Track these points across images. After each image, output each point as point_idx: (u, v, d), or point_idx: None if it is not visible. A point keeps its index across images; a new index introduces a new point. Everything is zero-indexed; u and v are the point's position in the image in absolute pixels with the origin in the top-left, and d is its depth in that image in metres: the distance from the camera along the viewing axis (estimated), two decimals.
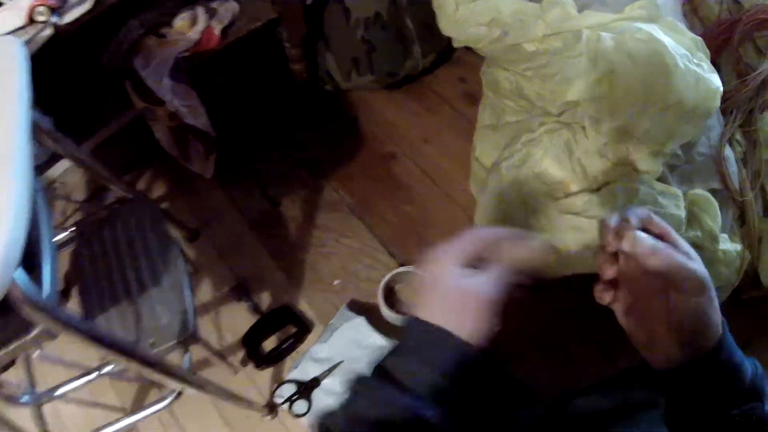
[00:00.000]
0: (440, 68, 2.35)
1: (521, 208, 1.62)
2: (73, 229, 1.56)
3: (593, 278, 0.78)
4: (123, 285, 1.43)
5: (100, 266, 1.46)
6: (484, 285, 0.72)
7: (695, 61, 1.50)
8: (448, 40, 1.85)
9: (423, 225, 1.96)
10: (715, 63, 1.74)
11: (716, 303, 0.71)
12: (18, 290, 0.85)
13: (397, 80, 2.21)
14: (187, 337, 1.35)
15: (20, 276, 0.86)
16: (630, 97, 1.49)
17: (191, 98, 1.81)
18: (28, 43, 1.40)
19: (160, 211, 1.59)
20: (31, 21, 1.45)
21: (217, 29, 1.87)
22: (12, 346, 0.94)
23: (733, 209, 1.67)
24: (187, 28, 1.86)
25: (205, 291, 1.93)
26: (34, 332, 0.94)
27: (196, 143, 1.98)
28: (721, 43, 1.82)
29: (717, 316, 0.71)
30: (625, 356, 0.78)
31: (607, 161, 1.54)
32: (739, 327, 1.67)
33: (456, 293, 0.72)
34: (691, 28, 1.80)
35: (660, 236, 0.71)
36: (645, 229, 0.71)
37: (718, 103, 1.49)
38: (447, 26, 1.80)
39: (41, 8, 1.43)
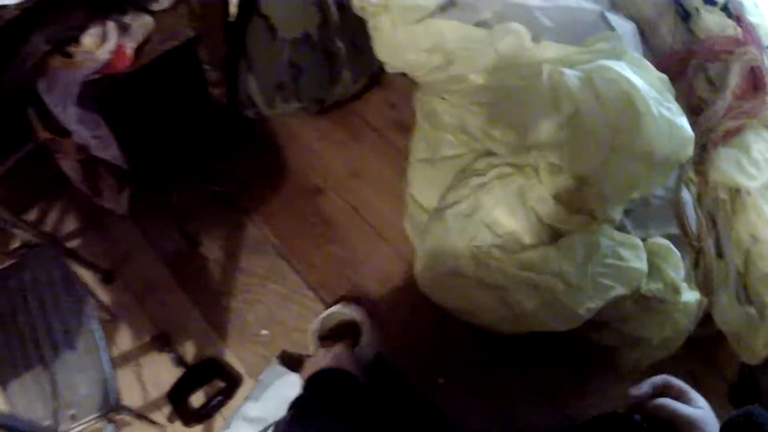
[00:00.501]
0: (369, 92, 2.27)
1: (471, 262, 1.53)
2: None
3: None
4: (35, 347, 1.40)
5: (8, 325, 1.43)
6: None
7: (665, 103, 1.43)
8: (381, 63, 1.76)
9: (353, 266, 1.91)
10: None
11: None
12: None
13: (324, 107, 2.13)
14: (110, 410, 1.33)
15: None
16: (595, 142, 1.41)
17: (100, 128, 1.68)
18: None
19: (70, 255, 1.63)
20: None
21: (129, 48, 1.72)
22: None
23: (690, 254, 1.65)
24: (96, 47, 1.70)
25: (125, 340, 1.85)
26: None
27: (107, 177, 1.86)
28: (675, 75, 1.75)
29: None
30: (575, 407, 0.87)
31: (563, 209, 1.47)
32: (687, 365, 1.75)
33: None
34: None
35: (678, 395, 0.86)
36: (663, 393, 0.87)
37: (690, 151, 1.44)
38: (383, 50, 1.72)
39: None
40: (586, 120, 1.40)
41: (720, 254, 1.70)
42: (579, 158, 1.42)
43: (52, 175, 1.90)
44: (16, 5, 1.40)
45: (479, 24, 1.63)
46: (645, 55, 1.77)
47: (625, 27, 1.70)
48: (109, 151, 1.72)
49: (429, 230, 1.65)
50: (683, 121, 1.43)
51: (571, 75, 1.42)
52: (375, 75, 2.20)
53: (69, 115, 1.62)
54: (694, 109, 1.74)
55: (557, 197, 1.47)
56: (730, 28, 1.79)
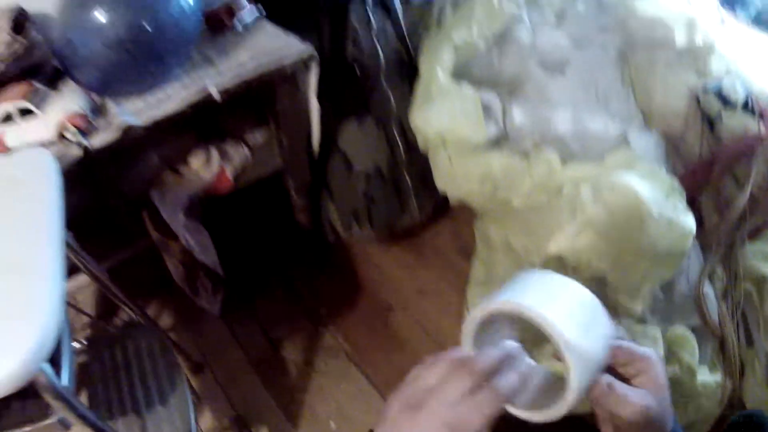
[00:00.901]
0: (437, 221, 2.43)
1: None
2: (85, 342, 1.63)
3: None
4: (131, 398, 1.47)
5: (109, 379, 1.51)
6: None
7: (670, 204, 1.58)
8: (443, 194, 1.94)
9: None
10: (696, 201, 1.85)
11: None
12: (44, 378, 0.93)
13: (394, 233, 2.30)
14: None
15: (46, 366, 0.93)
16: (607, 247, 1.56)
17: (203, 236, 1.89)
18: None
19: (168, 340, 1.66)
20: (61, 137, 1.48)
21: (229, 172, 1.97)
22: (27, 430, 0.99)
23: (713, 342, 1.71)
24: (202, 168, 1.95)
25: (206, 420, 1.96)
26: (51, 420, 0.99)
27: (205, 280, 2.03)
28: (702, 181, 1.88)
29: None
30: None
31: None
32: None
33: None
34: (673, 169, 1.92)
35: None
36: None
37: (689, 244, 1.57)
38: (442, 182, 1.91)
39: (71, 127, 1.48)
40: (598, 226, 1.57)
41: (750, 342, 1.74)
42: (594, 261, 1.58)
43: (158, 273, 2.06)
44: (143, 128, 1.57)
45: (522, 154, 1.84)
46: (674, 165, 1.94)
47: (645, 142, 1.88)
48: (209, 257, 1.90)
49: None
50: (685, 217, 1.57)
51: (585, 190, 1.61)
52: (440, 205, 2.35)
53: (177, 221, 1.82)
54: (721, 210, 1.84)
55: None
56: (754, 125, 1.88)
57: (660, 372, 0.72)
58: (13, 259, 0.98)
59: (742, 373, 1.71)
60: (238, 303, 2.19)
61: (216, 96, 1.64)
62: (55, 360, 1.01)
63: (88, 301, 2.20)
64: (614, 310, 1.61)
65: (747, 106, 1.93)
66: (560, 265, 1.66)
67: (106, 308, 2.13)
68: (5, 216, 1.10)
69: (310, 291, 2.27)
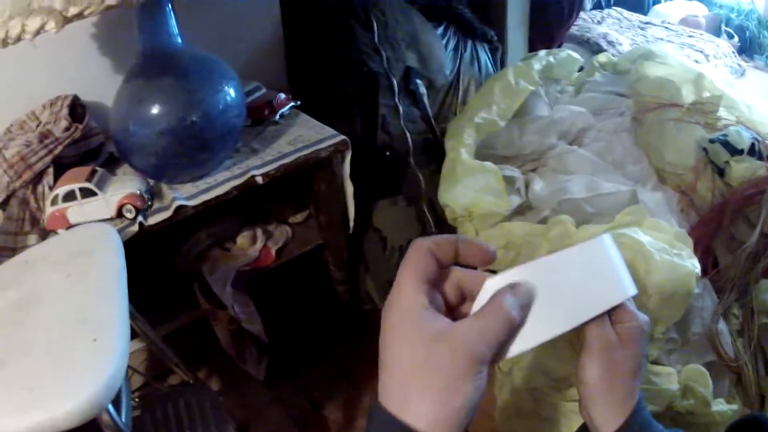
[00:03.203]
0: None
1: (531, 401, 1.77)
2: (138, 400, 1.76)
3: None
4: None
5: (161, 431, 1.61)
6: (468, 331, 0.56)
7: (674, 251, 1.66)
8: None
9: None
10: (710, 247, 1.93)
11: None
12: (107, 416, 1.10)
13: None
14: None
15: (110, 407, 1.10)
16: None
17: (249, 306, 2.00)
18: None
19: (218, 400, 1.74)
20: (119, 215, 1.63)
21: (272, 249, 2.11)
22: None
23: (730, 376, 1.76)
24: (248, 246, 2.08)
25: None
26: None
27: (251, 347, 2.14)
28: (715, 226, 1.96)
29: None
30: None
31: None
32: None
33: (425, 351, 0.56)
34: (687, 221, 2.02)
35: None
36: None
37: (694, 285, 1.63)
38: None
39: (129, 206, 1.62)
40: None
41: None
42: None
43: (207, 340, 2.16)
44: (193, 207, 1.70)
45: (542, 221, 1.96)
46: (689, 218, 2.03)
47: (653, 198, 2.00)
48: (254, 326, 2.01)
49: (502, 386, 1.90)
50: (689, 261, 1.64)
51: None
52: None
53: (226, 293, 1.93)
54: (734, 252, 1.90)
55: None
56: (762, 169, 1.97)
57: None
58: (89, 317, 1.14)
59: (762, 404, 1.75)
60: (282, 368, 2.28)
61: (259, 180, 1.81)
62: (116, 403, 1.16)
63: (142, 365, 2.29)
64: None
65: (753, 151, 2.03)
66: None
67: (158, 371, 2.22)
68: (81, 281, 1.25)
69: (348, 357, 2.34)
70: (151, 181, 1.78)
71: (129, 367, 1.69)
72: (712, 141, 2.08)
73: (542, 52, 2.49)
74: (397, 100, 2.26)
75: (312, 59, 2.30)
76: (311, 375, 2.32)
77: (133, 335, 1.56)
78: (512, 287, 0.60)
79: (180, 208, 1.69)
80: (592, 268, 0.66)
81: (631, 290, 0.67)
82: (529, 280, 0.62)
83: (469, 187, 1.96)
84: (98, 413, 1.04)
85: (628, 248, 1.65)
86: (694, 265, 1.66)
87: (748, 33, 3.94)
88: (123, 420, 1.16)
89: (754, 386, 1.74)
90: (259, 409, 2.22)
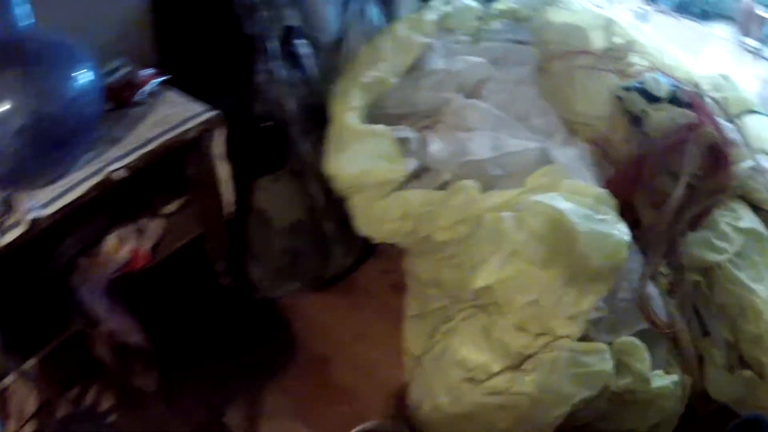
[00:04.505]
0: (365, 263, 2.40)
1: (446, 397, 1.62)
2: None
3: None
4: None
5: None
6: None
7: (599, 217, 1.55)
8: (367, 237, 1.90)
9: (364, 420, 1.90)
10: (630, 203, 1.82)
11: None
12: None
13: (323, 283, 2.24)
14: None
15: None
16: (536, 271, 1.53)
17: (125, 317, 1.84)
18: None
19: (105, 426, 1.69)
20: None
21: (145, 248, 1.93)
22: None
23: (665, 341, 1.69)
24: (117, 249, 1.92)
25: None
26: None
27: (136, 359, 1.97)
28: (634, 179, 1.86)
29: None
30: None
31: (527, 334, 1.56)
32: None
33: None
34: (603, 174, 1.90)
35: None
36: None
37: (625, 255, 1.53)
38: (363, 226, 1.88)
39: None
40: (525, 255, 1.53)
41: (705, 333, 1.73)
42: (527, 288, 1.53)
43: (90, 358, 1.96)
44: (49, 217, 1.52)
45: (441, 186, 1.81)
46: (603, 170, 1.91)
47: (566, 154, 1.85)
48: (135, 337, 1.84)
49: (414, 377, 1.77)
50: (617, 227, 1.55)
51: (507, 217, 1.57)
52: (368, 248, 2.34)
53: (99, 306, 1.77)
54: (658, 207, 1.82)
55: (519, 326, 1.57)
56: (683, 116, 1.88)
57: None
58: None
59: (701, 364, 1.71)
60: (175, 375, 2.10)
61: (119, 175, 1.61)
62: None
63: (29, 396, 2.02)
64: (552, 334, 1.56)
65: (674, 99, 1.94)
66: (490, 297, 1.61)
67: (45, 403, 2.00)
68: None
69: (245, 352, 2.20)
70: (3, 193, 1.57)
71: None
72: (627, 89, 1.99)
73: (436, 2, 2.35)
74: (276, 64, 2.05)
75: (184, 27, 2.08)
76: (207, 377, 2.14)
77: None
78: None
79: (35, 221, 1.50)
80: None
81: None
82: None
83: (358, 154, 1.84)
84: None
85: (548, 219, 1.53)
86: (623, 231, 1.56)
87: None
88: None
89: (692, 349, 1.69)
90: (158, 424, 2.05)
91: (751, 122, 2.06)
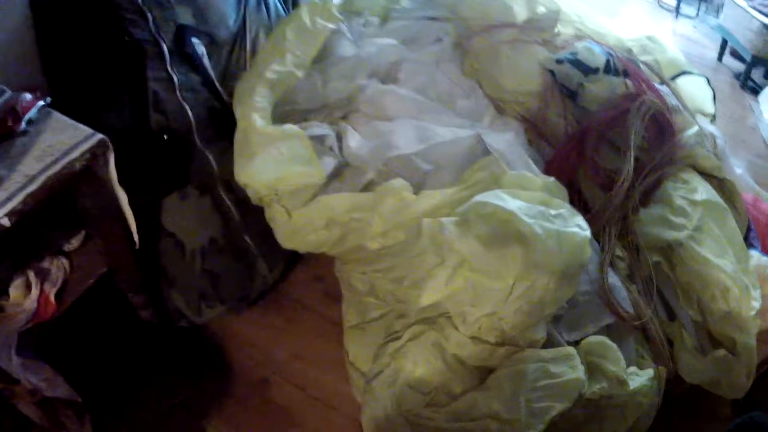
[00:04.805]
0: (293, 271, 2.29)
1: (405, 427, 1.49)
2: None
3: None
4: None
5: None
6: None
7: (552, 213, 1.46)
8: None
9: None
10: (573, 183, 1.78)
11: None
12: None
13: (251, 301, 2.13)
14: None
15: None
16: (489, 282, 1.42)
17: (45, 371, 1.71)
18: None
19: None
20: None
21: (51, 294, 1.80)
22: None
23: (634, 334, 1.64)
24: (23, 297, 1.78)
25: None
26: None
27: (66, 411, 1.84)
28: (576, 158, 1.79)
29: None
30: None
31: (485, 346, 1.46)
32: (680, 421, 1.74)
33: None
34: (539, 153, 1.85)
35: None
36: None
37: (588, 253, 1.46)
38: (284, 238, 1.76)
39: None
40: (474, 264, 1.42)
41: (672, 317, 1.70)
42: (480, 300, 1.42)
43: (17, 419, 1.86)
44: None
45: (367, 186, 1.71)
46: (540, 150, 1.87)
47: (503, 140, 1.75)
48: (59, 389, 1.73)
49: (364, 403, 1.64)
50: (574, 222, 1.47)
51: (448, 225, 1.46)
52: (294, 256, 2.20)
53: (13, 365, 1.66)
54: (605, 185, 1.77)
55: (476, 337, 1.46)
56: (621, 86, 1.86)
57: None
58: None
59: (671, 349, 1.67)
60: (111, 421, 1.98)
61: (6, 224, 1.47)
62: None
63: None
64: (514, 344, 1.46)
65: (609, 68, 1.90)
66: (437, 310, 1.51)
67: None
68: None
69: (179, 386, 2.06)
70: None
71: None
72: (559, 61, 1.94)
73: None
74: (169, 68, 1.91)
75: (68, 41, 1.94)
76: (144, 416, 2.02)
77: None
78: None
79: None
80: None
81: None
82: None
83: (269, 159, 1.71)
84: None
85: (497, 222, 1.43)
86: (582, 227, 1.48)
87: None
88: None
89: (662, 337, 1.66)
90: None
91: (683, 82, 2.09)
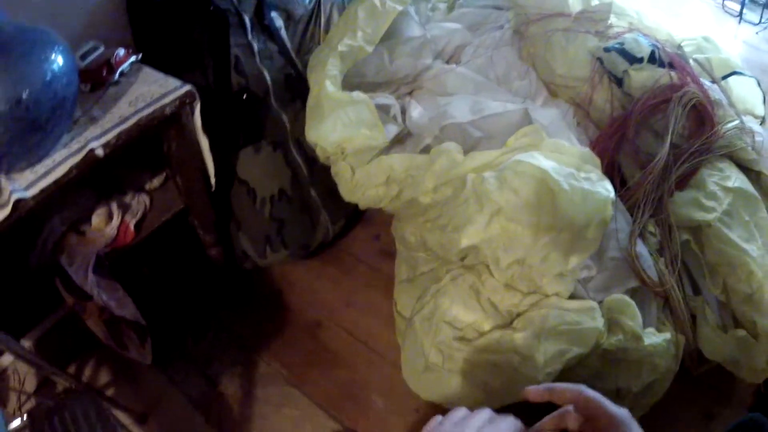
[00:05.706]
0: (353, 230, 2.42)
1: (438, 356, 1.62)
2: (26, 417, 1.61)
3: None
4: None
5: None
6: None
7: (582, 175, 1.55)
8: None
9: (358, 386, 1.96)
10: (615, 162, 1.84)
11: None
12: None
13: (311, 251, 2.25)
14: None
15: None
16: (521, 230, 1.53)
17: (116, 291, 1.84)
18: None
19: (104, 400, 1.68)
20: None
21: (131, 224, 1.94)
22: None
23: (657, 300, 1.68)
24: (104, 225, 1.93)
25: None
26: None
27: (129, 332, 1.99)
28: (618, 139, 1.86)
29: None
30: None
31: (516, 293, 1.57)
32: (698, 402, 1.71)
33: None
34: (586, 134, 1.91)
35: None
36: None
37: (610, 212, 1.53)
38: (347, 193, 1.87)
39: None
40: (509, 213, 1.52)
41: (697, 291, 1.73)
42: (512, 246, 1.53)
43: (84, 335, 2.01)
44: (33, 197, 1.52)
45: (424, 150, 1.82)
46: (587, 131, 1.93)
47: (548, 115, 1.86)
48: (127, 310, 1.85)
49: (405, 337, 1.75)
50: (601, 185, 1.54)
51: (489, 178, 1.56)
52: (354, 215, 2.35)
53: (89, 282, 1.77)
54: (644, 167, 1.81)
55: (508, 285, 1.58)
56: (665, 76, 1.89)
57: None
58: None
59: (693, 324, 1.70)
60: (169, 348, 2.13)
61: (100, 153, 1.60)
62: None
63: (29, 372, 2.10)
64: (542, 292, 1.57)
65: (654, 59, 1.94)
66: (477, 257, 1.62)
67: (44, 380, 2.06)
68: None
69: (236, 322, 2.22)
70: None
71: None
72: (607, 50, 1.98)
73: None
74: (249, 37, 2.05)
75: (157, 7, 2.06)
76: (201, 347, 2.16)
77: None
78: None
79: (18, 203, 1.50)
80: None
81: None
82: None
83: (338, 121, 1.82)
84: None
85: (531, 178, 1.53)
86: (607, 189, 1.56)
87: None
88: None
89: (684, 307, 1.68)
90: (156, 395, 2.07)
91: (735, 83, 2.06)
